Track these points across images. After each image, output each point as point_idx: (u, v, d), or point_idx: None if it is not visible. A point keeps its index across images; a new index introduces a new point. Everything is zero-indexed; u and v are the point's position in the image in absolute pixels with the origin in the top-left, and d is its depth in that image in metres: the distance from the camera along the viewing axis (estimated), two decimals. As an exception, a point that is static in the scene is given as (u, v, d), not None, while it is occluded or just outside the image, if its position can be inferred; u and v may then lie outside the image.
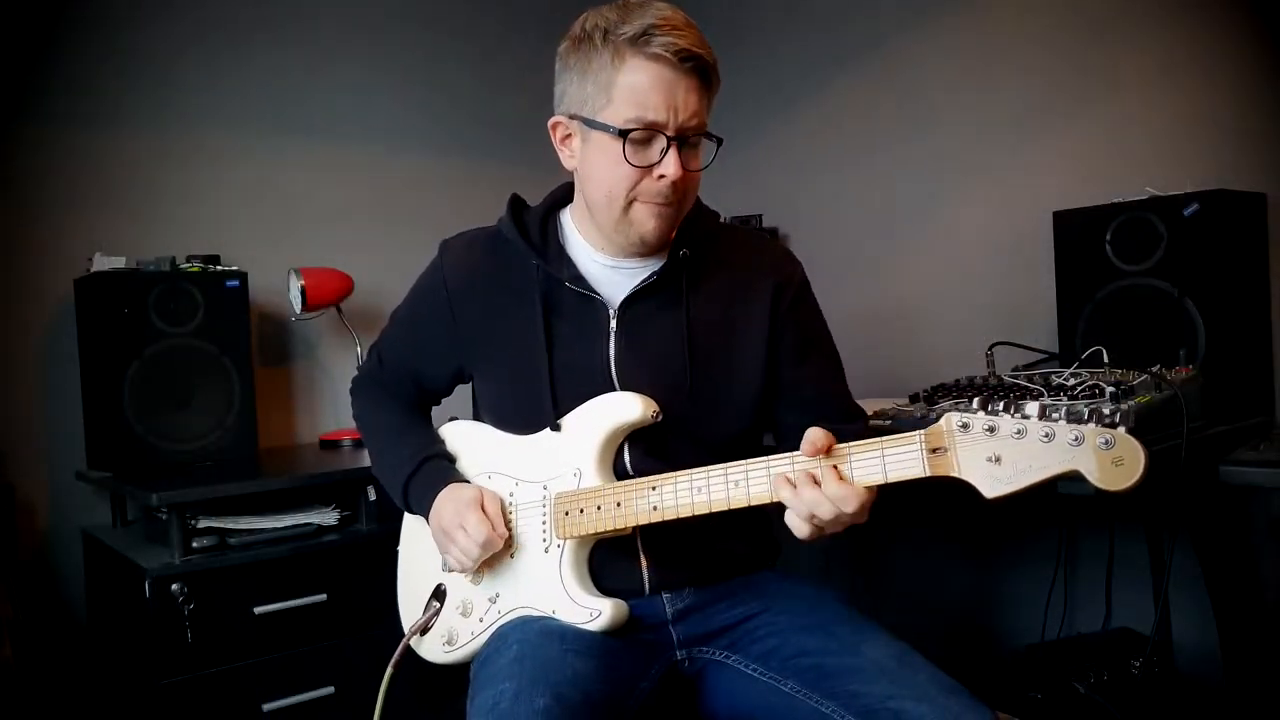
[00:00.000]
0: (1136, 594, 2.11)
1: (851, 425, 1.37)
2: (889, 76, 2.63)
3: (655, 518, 1.23)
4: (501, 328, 1.38)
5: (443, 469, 1.41)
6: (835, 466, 1.12)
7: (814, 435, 1.13)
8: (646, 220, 1.28)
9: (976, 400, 1.05)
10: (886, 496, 1.15)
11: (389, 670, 1.40)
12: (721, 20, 2.82)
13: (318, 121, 2.66)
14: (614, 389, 1.31)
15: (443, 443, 1.46)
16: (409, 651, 1.42)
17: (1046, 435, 0.99)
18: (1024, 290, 2.32)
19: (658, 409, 1.28)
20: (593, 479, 1.29)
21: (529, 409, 1.35)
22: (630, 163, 1.23)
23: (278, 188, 2.59)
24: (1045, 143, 2.32)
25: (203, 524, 1.92)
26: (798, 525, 1.14)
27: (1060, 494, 1.52)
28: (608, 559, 1.32)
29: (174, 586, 1.82)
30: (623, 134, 1.22)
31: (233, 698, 1.87)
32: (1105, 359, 1.76)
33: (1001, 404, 1.03)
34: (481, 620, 1.35)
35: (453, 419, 1.50)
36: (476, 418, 1.48)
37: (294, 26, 2.62)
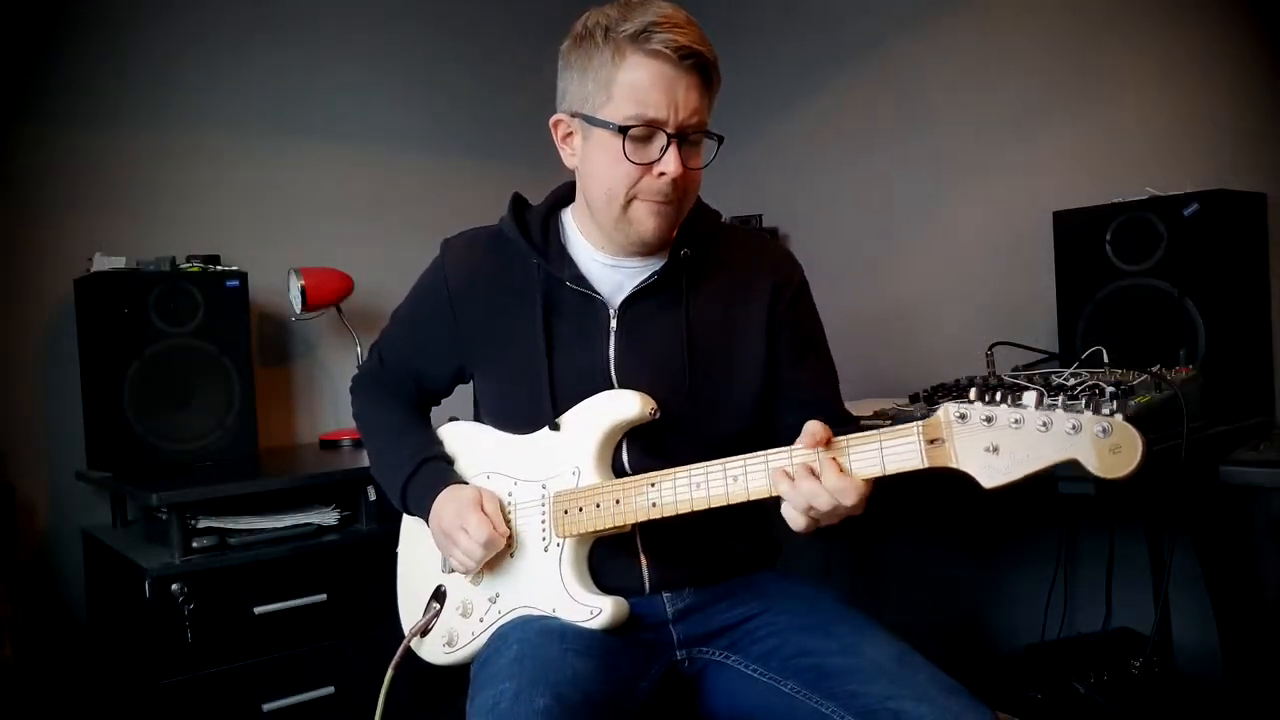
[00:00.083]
0: (1136, 594, 2.12)
1: (843, 430, 1.37)
2: (888, 76, 2.63)
3: (654, 514, 1.23)
4: (502, 327, 1.38)
5: (442, 470, 1.41)
6: (834, 459, 1.12)
7: (813, 427, 1.13)
8: (646, 219, 1.28)
9: (973, 391, 1.05)
10: (886, 495, 1.15)
11: (389, 672, 1.39)
12: (720, 20, 2.81)
13: (318, 121, 2.66)
14: (613, 389, 1.31)
15: (441, 444, 1.46)
16: (409, 653, 1.42)
17: (1044, 424, 0.99)
18: (1024, 290, 2.32)
19: (655, 406, 1.28)
20: (591, 477, 1.29)
21: (529, 408, 1.35)
22: (630, 160, 1.23)
23: (278, 187, 2.59)
24: (1045, 143, 2.32)
25: (203, 524, 1.92)
26: (794, 517, 1.14)
27: (1060, 494, 1.52)
28: (607, 558, 1.32)
29: (174, 586, 1.82)
30: (623, 131, 1.22)
31: (233, 698, 1.87)
32: (1105, 359, 1.76)
33: (998, 394, 1.03)
34: (481, 620, 1.35)
35: (453, 419, 1.50)
36: (477, 418, 1.48)
37: (294, 26, 2.62)
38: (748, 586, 1.36)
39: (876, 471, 1.10)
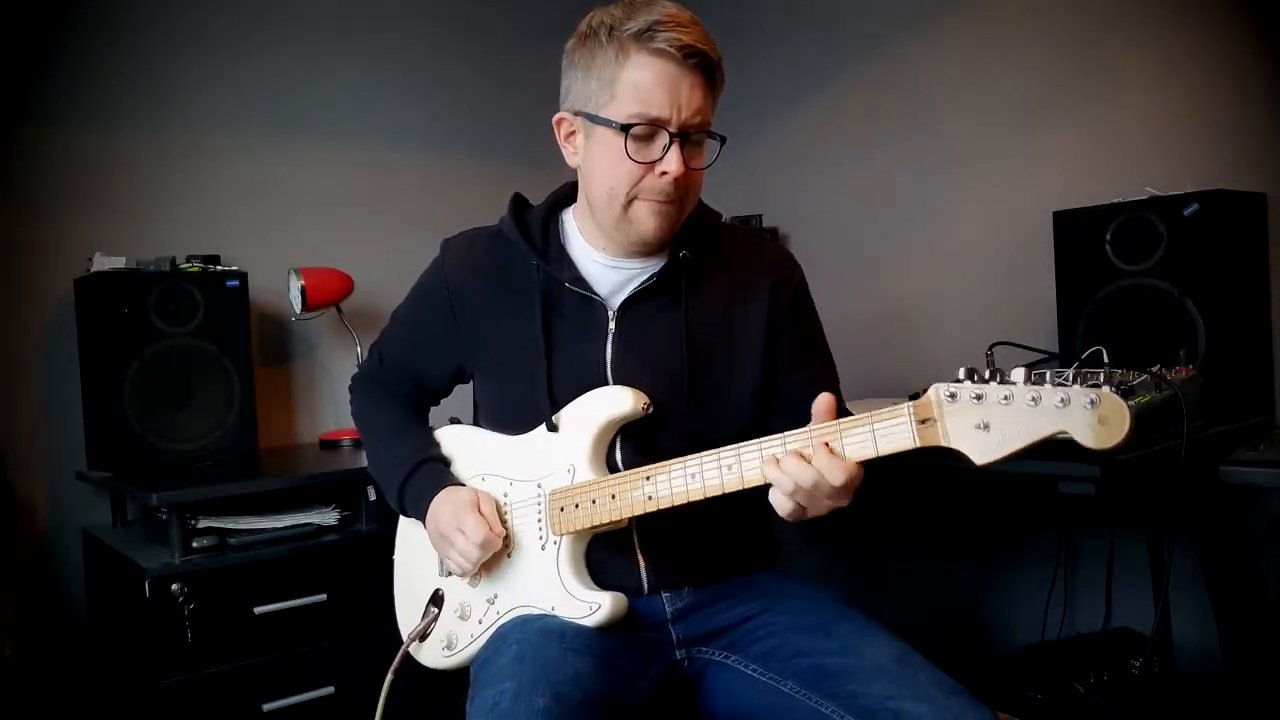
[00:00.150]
0: (1136, 594, 2.12)
1: None
2: (889, 76, 2.63)
3: (650, 507, 1.22)
4: (502, 327, 1.38)
5: (439, 472, 1.41)
6: (826, 443, 1.12)
7: (823, 396, 1.13)
8: (647, 219, 1.27)
9: (962, 370, 1.05)
10: (886, 496, 1.15)
11: (389, 678, 1.39)
12: (721, 19, 2.79)
13: (318, 120, 2.66)
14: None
15: (439, 445, 1.46)
16: (408, 658, 1.42)
17: (1033, 399, 0.99)
18: (1024, 290, 2.32)
19: (648, 401, 1.28)
20: (586, 474, 1.29)
21: (527, 409, 1.35)
22: (632, 158, 1.23)
23: (278, 187, 2.59)
24: (1045, 142, 2.32)
25: (203, 524, 1.92)
26: (780, 501, 1.14)
27: (1060, 494, 1.52)
28: (606, 558, 1.31)
29: (174, 586, 1.82)
30: (625, 129, 1.22)
31: (233, 698, 1.87)
32: (1105, 359, 1.76)
33: (988, 372, 1.03)
34: (480, 622, 1.35)
35: (453, 420, 1.50)
36: (476, 419, 1.48)
37: (293, 25, 2.62)
38: (747, 586, 1.36)
39: (870, 453, 1.10)
